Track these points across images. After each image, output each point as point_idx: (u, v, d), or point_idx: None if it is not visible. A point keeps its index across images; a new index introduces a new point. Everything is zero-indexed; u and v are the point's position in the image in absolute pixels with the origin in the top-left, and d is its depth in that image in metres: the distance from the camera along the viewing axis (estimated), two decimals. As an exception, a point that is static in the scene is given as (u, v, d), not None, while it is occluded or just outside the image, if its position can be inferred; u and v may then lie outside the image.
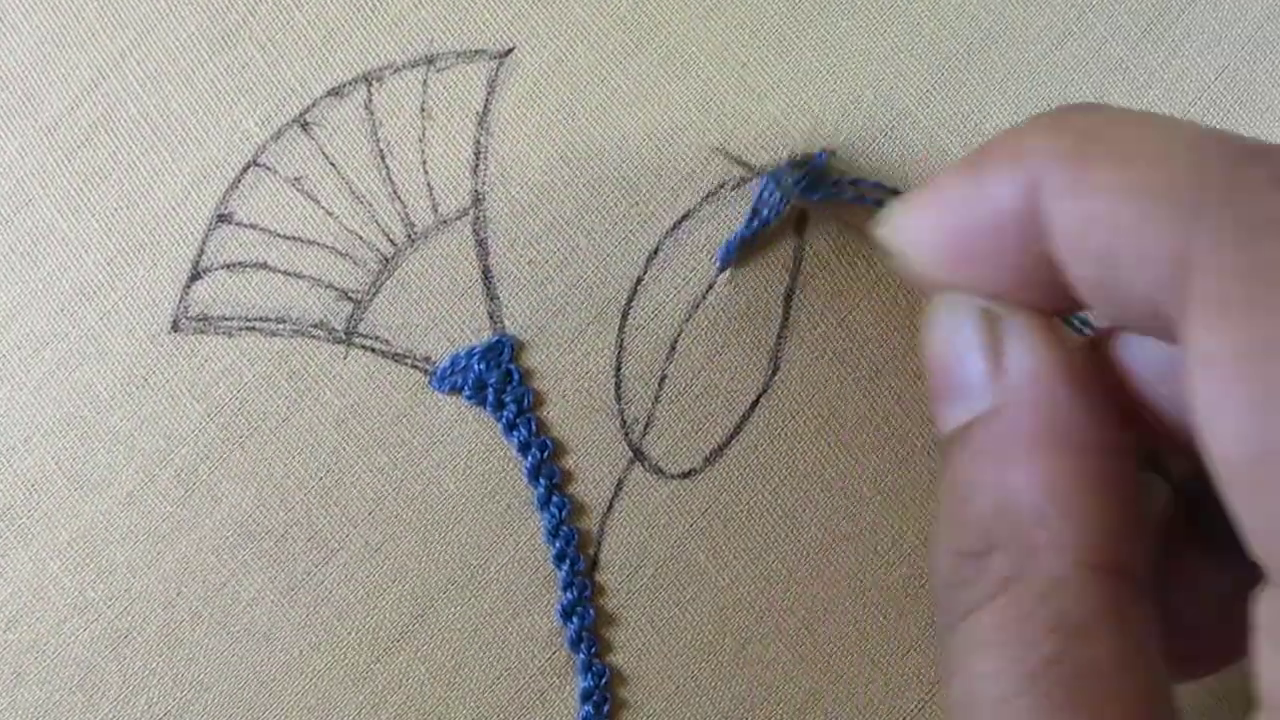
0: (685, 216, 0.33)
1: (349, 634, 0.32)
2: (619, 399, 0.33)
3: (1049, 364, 0.25)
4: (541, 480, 0.32)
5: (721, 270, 0.33)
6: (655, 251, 0.33)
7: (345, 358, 0.32)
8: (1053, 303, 0.25)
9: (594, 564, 0.32)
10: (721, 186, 0.33)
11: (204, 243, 0.32)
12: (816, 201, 0.33)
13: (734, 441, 0.33)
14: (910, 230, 0.26)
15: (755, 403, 0.33)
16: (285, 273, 0.32)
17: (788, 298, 0.33)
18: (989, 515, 0.25)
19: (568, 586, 0.32)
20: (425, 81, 0.33)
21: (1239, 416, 0.19)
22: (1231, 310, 0.20)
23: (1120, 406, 0.26)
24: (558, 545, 0.32)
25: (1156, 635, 0.25)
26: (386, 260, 0.32)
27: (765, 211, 0.32)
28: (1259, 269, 0.20)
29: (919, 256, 0.26)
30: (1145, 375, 0.26)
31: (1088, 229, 0.22)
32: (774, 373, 0.33)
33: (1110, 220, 0.22)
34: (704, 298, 0.33)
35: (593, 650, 0.32)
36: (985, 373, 0.26)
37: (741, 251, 0.33)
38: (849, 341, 0.33)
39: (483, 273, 0.33)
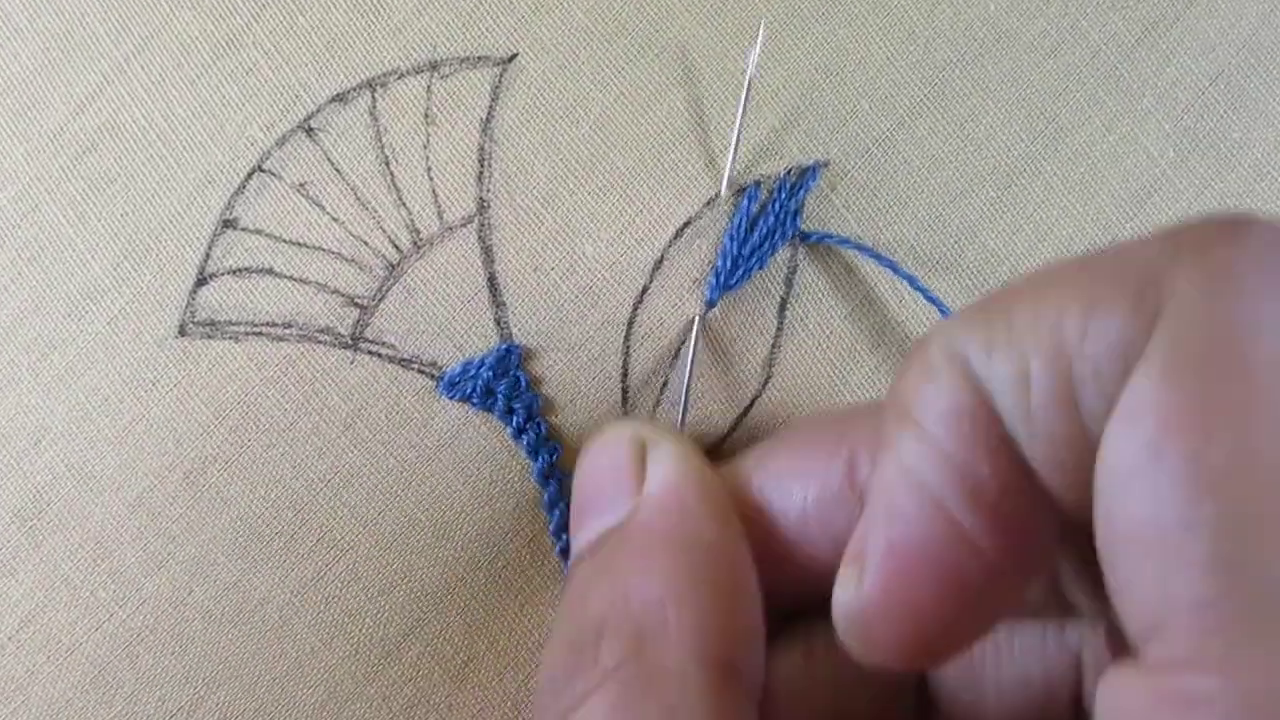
0: (688, 223, 0.33)
1: (359, 632, 0.32)
2: (625, 404, 0.33)
3: (685, 476, 0.26)
4: (551, 482, 0.32)
5: (709, 309, 0.33)
6: (660, 260, 0.33)
7: (352, 363, 0.32)
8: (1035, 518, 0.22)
9: (599, 564, 0.33)
10: (720, 194, 0.33)
11: (210, 248, 0.32)
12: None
13: (725, 443, 0.33)
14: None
15: (748, 408, 0.33)
16: (291, 278, 0.32)
17: (782, 307, 0.34)
18: (604, 608, 0.25)
19: (574, 586, 0.32)
20: (429, 88, 0.33)
21: (1159, 484, 0.18)
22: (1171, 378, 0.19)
23: (757, 530, 0.26)
24: (564, 540, 0.32)
25: None
26: (392, 266, 0.33)
27: (755, 243, 0.33)
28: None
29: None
30: (793, 515, 0.26)
31: (1026, 371, 0.21)
32: (767, 380, 0.33)
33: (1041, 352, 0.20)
34: (699, 330, 0.33)
35: (598, 648, 0.32)
36: (626, 490, 0.26)
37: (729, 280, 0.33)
38: (842, 351, 0.34)
39: (489, 279, 0.33)
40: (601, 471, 0.27)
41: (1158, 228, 0.21)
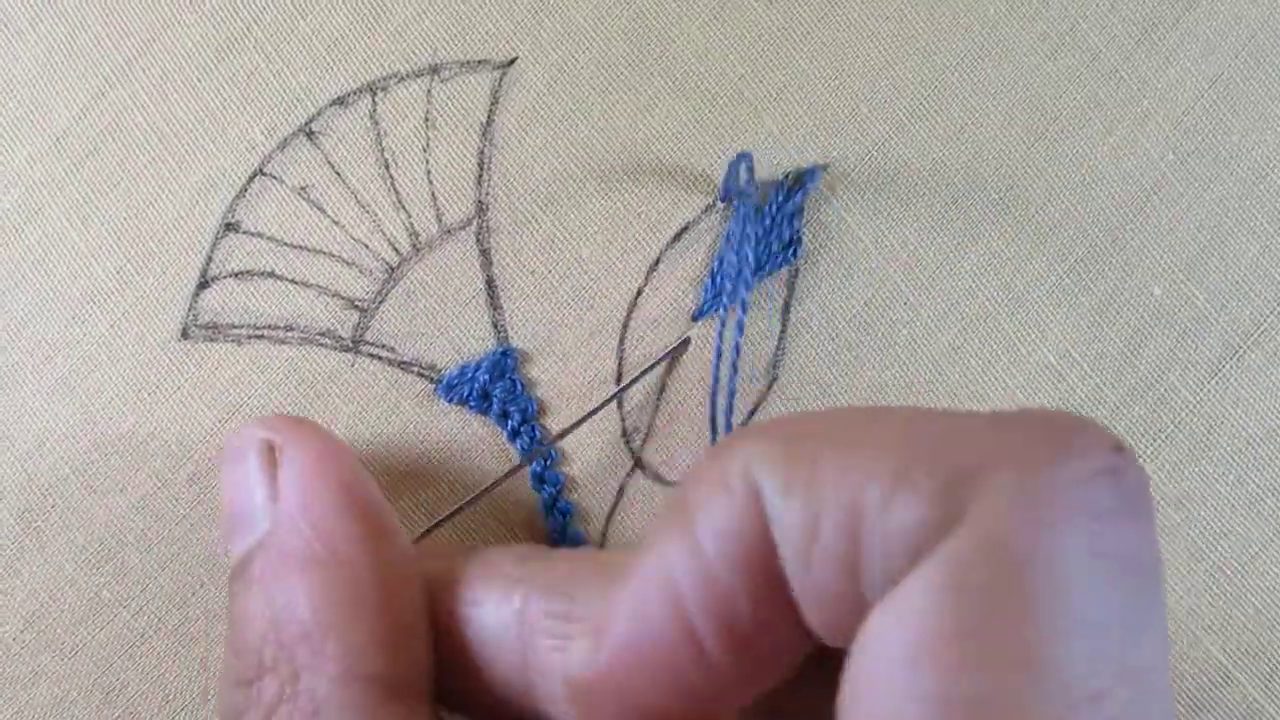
0: (685, 228, 0.33)
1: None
2: (620, 408, 0.33)
3: (317, 488, 0.26)
4: (546, 487, 0.32)
5: (702, 314, 0.33)
6: (656, 262, 0.33)
7: (353, 365, 0.33)
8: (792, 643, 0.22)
9: (597, 568, 0.33)
10: (719, 199, 0.33)
11: (212, 251, 0.33)
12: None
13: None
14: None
15: (753, 412, 0.33)
16: (292, 281, 0.33)
17: (785, 310, 0.34)
18: (261, 638, 0.25)
19: (572, 589, 0.32)
20: (429, 91, 0.33)
21: (907, 693, 0.19)
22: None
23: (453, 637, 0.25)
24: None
25: None
26: (392, 269, 0.33)
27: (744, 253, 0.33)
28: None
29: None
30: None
31: (816, 524, 0.20)
32: (772, 383, 0.33)
33: (838, 506, 0.20)
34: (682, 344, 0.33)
35: (596, 651, 0.32)
36: (264, 501, 0.26)
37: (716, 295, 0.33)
38: (847, 353, 0.34)
39: (486, 282, 0.33)
40: (235, 483, 0.27)
41: (991, 413, 0.21)
